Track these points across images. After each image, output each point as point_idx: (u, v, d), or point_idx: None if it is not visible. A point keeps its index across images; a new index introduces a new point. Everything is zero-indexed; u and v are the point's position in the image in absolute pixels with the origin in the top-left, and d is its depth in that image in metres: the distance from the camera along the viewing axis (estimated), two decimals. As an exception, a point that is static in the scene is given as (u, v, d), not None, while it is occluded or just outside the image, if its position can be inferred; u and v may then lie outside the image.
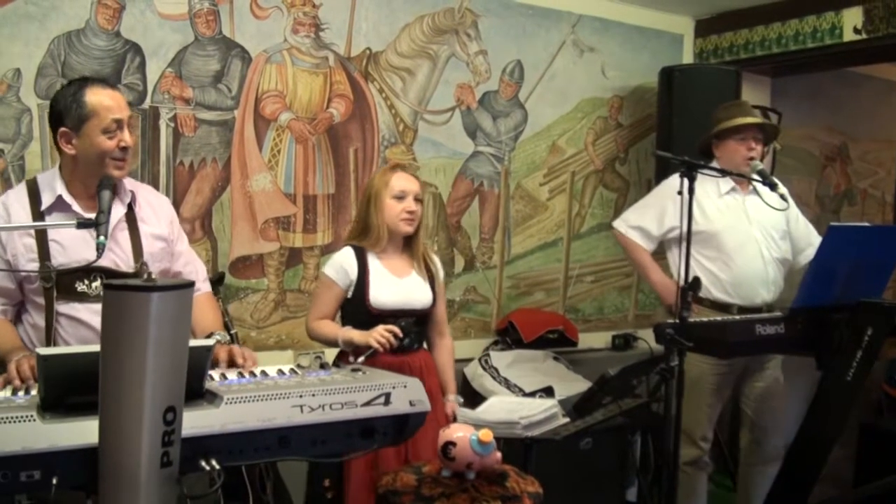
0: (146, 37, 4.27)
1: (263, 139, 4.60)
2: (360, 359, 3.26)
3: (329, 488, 3.45)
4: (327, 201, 4.79)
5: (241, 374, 2.59)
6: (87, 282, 2.79)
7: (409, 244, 3.72)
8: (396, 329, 3.44)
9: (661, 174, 5.15)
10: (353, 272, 3.58)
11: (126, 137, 2.80)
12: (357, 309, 3.59)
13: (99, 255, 2.44)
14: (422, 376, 3.37)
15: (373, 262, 3.61)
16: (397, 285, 3.61)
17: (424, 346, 3.77)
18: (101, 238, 2.44)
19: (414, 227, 3.65)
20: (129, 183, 2.99)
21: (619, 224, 4.50)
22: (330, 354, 3.81)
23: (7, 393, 2.31)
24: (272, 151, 4.62)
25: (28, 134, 4.03)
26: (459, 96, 5.21)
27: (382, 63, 4.93)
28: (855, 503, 4.57)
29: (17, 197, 2.87)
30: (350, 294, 3.60)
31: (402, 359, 3.53)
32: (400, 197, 3.59)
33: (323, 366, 2.67)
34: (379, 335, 3.40)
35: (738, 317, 4.04)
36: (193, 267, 3.18)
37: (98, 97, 2.77)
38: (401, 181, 3.62)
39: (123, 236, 2.90)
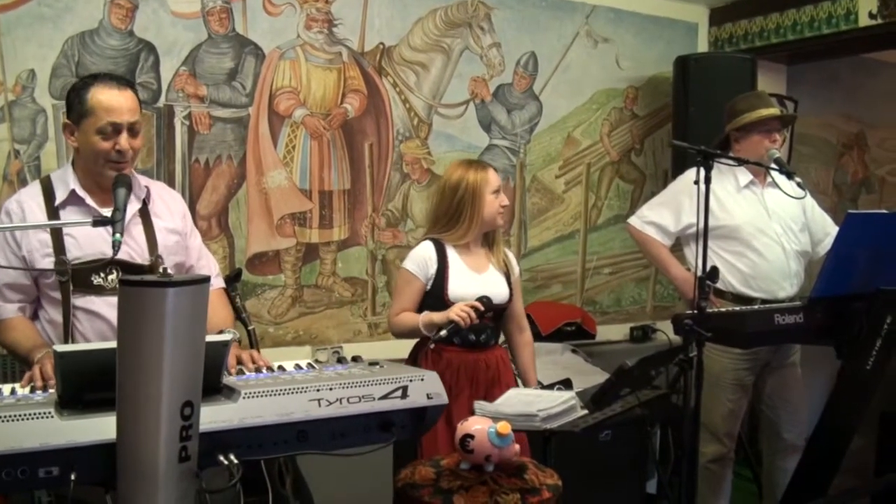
0: (159, 35, 4.28)
1: (278, 136, 4.60)
2: (443, 332, 3.40)
3: None
4: (343, 197, 4.79)
5: (258, 370, 2.60)
6: (102, 275, 2.80)
7: (487, 239, 3.77)
8: (478, 304, 3.48)
9: (678, 165, 5.13)
10: (434, 265, 3.61)
11: (122, 142, 2.77)
12: (436, 301, 3.60)
13: (115, 253, 2.44)
14: (497, 372, 3.59)
15: (452, 256, 3.64)
16: (475, 279, 3.64)
17: (500, 342, 3.82)
18: (118, 235, 2.44)
19: (503, 221, 3.76)
20: (144, 179, 3.02)
21: (634, 220, 4.45)
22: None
23: (25, 390, 2.32)
24: (287, 148, 4.63)
25: (43, 134, 4.05)
26: (473, 89, 5.20)
27: (396, 57, 4.92)
28: (876, 493, 4.54)
29: (31, 194, 2.88)
30: (429, 286, 3.62)
31: (477, 355, 3.60)
32: (497, 192, 3.67)
33: (340, 360, 2.68)
34: (459, 310, 3.43)
35: (756, 306, 4.01)
36: (206, 262, 3.19)
37: (100, 97, 2.76)
38: (496, 177, 3.70)
39: (138, 230, 2.91)
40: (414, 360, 3.63)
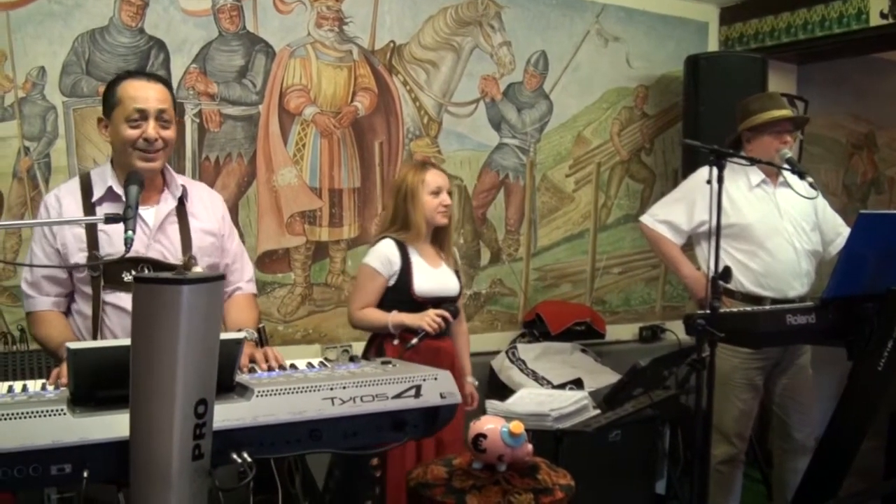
0: (170, 33, 4.28)
1: (288, 134, 4.60)
2: (414, 341, 3.60)
3: (377, 467, 3.58)
4: (353, 195, 4.79)
5: (270, 368, 2.59)
6: (133, 272, 2.80)
7: (437, 236, 3.91)
8: (447, 313, 3.71)
9: (688, 164, 5.12)
10: (397, 263, 3.76)
11: (149, 129, 2.79)
12: (399, 297, 3.77)
13: (127, 250, 2.43)
14: (451, 360, 3.82)
15: (413, 254, 3.80)
16: (433, 274, 3.82)
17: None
18: (129, 233, 2.43)
19: (448, 219, 3.86)
20: (183, 179, 3.03)
21: (646, 219, 4.44)
22: (356, 347, 3.89)
23: (37, 387, 2.32)
24: (297, 146, 4.62)
25: (53, 131, 4.04)
26: (484, 88, 5.19)
27: (406, 56, 4.92)
28: (886, 495, 4.52)
29: (70, 189, 2.91)
30: (392, 283, 3.77)
31: (438, 343, 3.76)
32: (436, 192, 3.80)
33: (352, 359, 2.67)
34: (431, 319, 3.67)
35: (768, 307, 4.00)
36: (240, 265, 3.19)
37: (128, 88, 2.80)
38: (436, 178, 3.83)
39: (173, 229, 2.92)
40: (378, 348, 3.78)
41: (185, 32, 4.32)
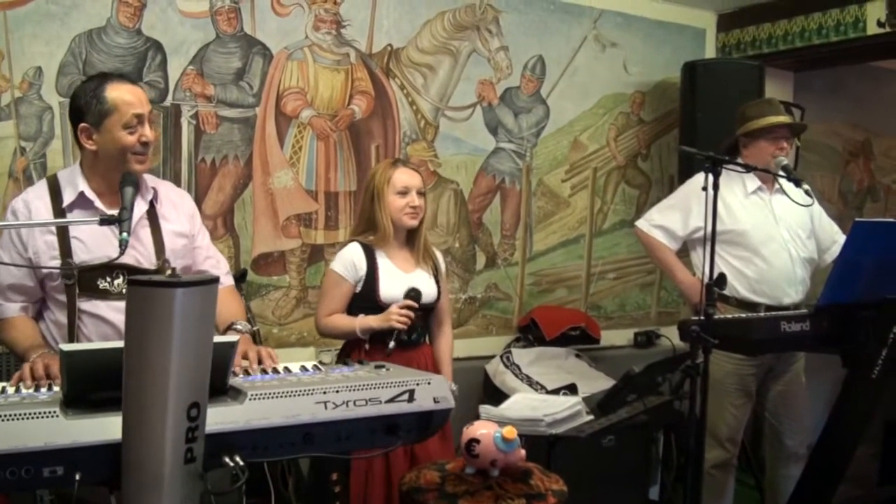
0: (167, 34, 4.27)
1: (285, 136, 4.60)
2: (392, 344, 3.43)
3: (336, 482, 3.46)
4: (349, 198, 4.78)
5: (264, 371, 2.59)
6: (108, 279, 2.78)
7: (411, 238, 3.73)
8: (410, 301, 3.51)
9: (684, 170, 5.12)
10: (363, 268, 3.60)
11: (147, 132, 2.79)
12: (366, 304, 3.60)
13: (122, 252, 2.42)
14: (427, 370, 3.45)
15: (380, 257, 3.63)
16: (404, 280, 3.62)
17: (427, 340, 3.82)
18: (124, 234, 2.43)
19: (418, 221, 3.68)
20: (151, 180, 2.99)
21: (642, 223, 4.45)
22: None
23: (30, 389, 2.31)
24: (294, 148, 4.62)
25: (50, 132, 4.04)
26: (481, 92, 5.19)
27: (404, 59, 4.92)
28: (880, 502, 4.53)
29: (38, 194, 2.85)
30: (359, 289, 3.61)
31: (410, 354, 3.59)
32: (403, 192, 3.62)
33: (346, 362, 2.66)
34: (397, 315, 3.46)
35: (763, 314, 4.00)
36: (215, 261, 3.16)
37: (118, 93, 2.76)
38: (403, 176, 3.64)
39: (145, 233, 2.89)
40: (346, 358, 3.55)
41: (183, 34, 4.31)
